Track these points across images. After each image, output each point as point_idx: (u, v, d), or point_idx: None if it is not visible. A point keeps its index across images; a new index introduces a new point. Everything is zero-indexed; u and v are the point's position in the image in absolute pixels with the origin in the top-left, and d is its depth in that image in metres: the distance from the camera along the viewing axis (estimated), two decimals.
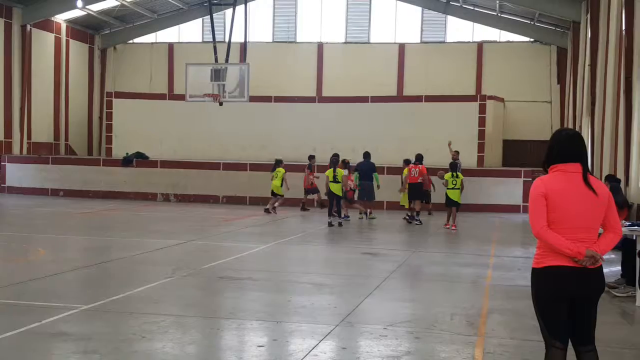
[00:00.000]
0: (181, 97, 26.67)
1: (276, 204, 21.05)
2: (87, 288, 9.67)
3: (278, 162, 21.42)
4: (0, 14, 29.99)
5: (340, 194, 18.16)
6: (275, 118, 29.94)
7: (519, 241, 16.33)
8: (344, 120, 29.01)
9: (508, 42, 34.07)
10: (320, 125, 29.19)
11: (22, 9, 30.91)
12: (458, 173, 18.10)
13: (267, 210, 20.87)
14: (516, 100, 32.81)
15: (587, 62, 23.36)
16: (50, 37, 33.40)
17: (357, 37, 35.53)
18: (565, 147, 4.60)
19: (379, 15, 35.29)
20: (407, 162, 20.34)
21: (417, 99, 30.05)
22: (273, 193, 21.06)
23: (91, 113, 36.64)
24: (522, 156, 30.56)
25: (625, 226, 9.08)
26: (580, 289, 4.50)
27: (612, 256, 11.53)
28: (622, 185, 15.15)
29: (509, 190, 23.50)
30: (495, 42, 34.25)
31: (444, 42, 34.71)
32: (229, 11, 29.58)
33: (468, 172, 21.18)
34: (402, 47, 34.71)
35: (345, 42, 35.56)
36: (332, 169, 18.23)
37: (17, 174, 27.09)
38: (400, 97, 32.48)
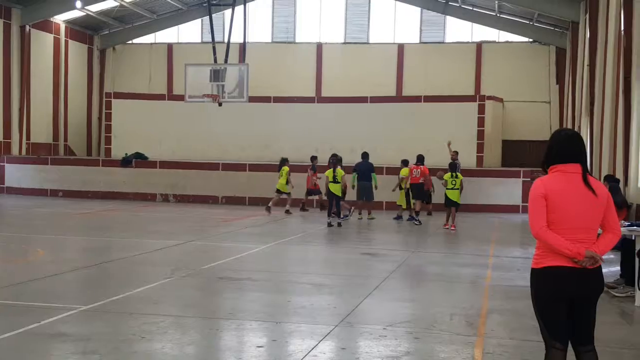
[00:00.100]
0: (180, 98, 26.65)
1: (287, 205, 21.09)
2: (86, 288, 9.66)
3: (283, 161, 21.45)
4: None
5: (340, 194, 18.18)
6: (274, 118, 29.95)
7: (518, 241, 16.33)
8: (343, 120, 29.01)
9: (507, 42, 34.09)
10: (319, 126, 29.19)
11: (21, 9, 30.91)
12: (457, 173, 18.11)
13: (287, 212, 20.95)
14: (515, 100, 32.82)
15: (586, 62, 23.37)
16: (49, 37, 33.39)
17: (356, 38, 35.54)
18: (564, 148, 4.60)
19: (378, 15, 35.30)
20: (405, 162, 20.35)
21: (416, 99, 30.05)
22: (279, 191, 21.10)
23: (90, 113, 36.63)
24: (521, 156, 30.57)
25: (624, 226, 9.09)
26: (579, 289, 4.50)
27: (611, 256, 11.53)
28: (621, 185, 15.16)
29: (508, 190, 23.50)
30: (494, 42, 34.28)
31: (443, 43, 34.73)
32: (228, 12, 29.63)
33: (467, 173, 21.17)
34: (401, 47, 34.72)
35: (345, 43, 35.57)
36: (331, 169, 18.29)
37: (16, 174, 27.07)
38: (399, 98, 32.49)
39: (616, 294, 9.45)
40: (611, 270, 10.69)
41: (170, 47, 36.79)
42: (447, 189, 17.97)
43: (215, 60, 25.20)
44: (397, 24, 35.07)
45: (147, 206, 23.33)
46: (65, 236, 15.52)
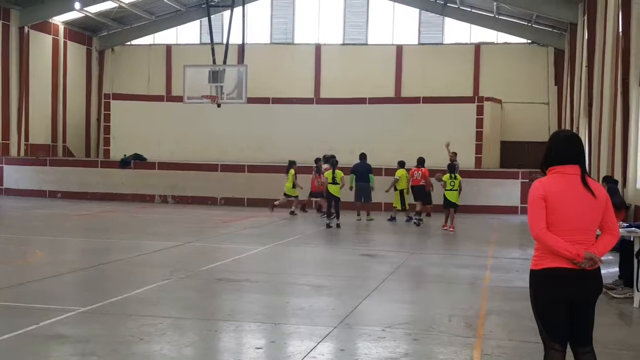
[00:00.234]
0: (179, 99, 26.65)
1: (293, 206, 21.12)
2: (84, 290, 9.66)
3: (291, 164, 21.45)
4: None
5: (339, 195, 18.18)
6: (273, 119, 29.95)
7: (516, 242, 16.33)
8: (342, 121, 29.02)
9: (505, 43, 34.13)
10: (318, 127, 29.20)
11: (20, 10, 30.91)
12: (456, 174, 18.11)
13: (292, 213, 21.04)
14: (513, 101, 32.85)
15: (585, 63, 23.39)
16: (48, 38, 33.38)
17: (355, 39, 35.57)
18: (563, 149, 4.61)
19: (376, 16, 35.33)
20: (401, 163, 20.32)
21: (414, 100, 30.08)
22: (287, 195, 21.15)
23: (89, 115, 36.62)
24: (519, 157, 30.59)
25: (623, 227, 9.09)
26: (578, 290, 4.51)
27: (610, 257, 11.54)
28: (619, 186, 15.18)
29: (506, 191, 23.49)
30: (492, 43, 34.31)
31: (441, 44, 34.76)
32: (226, 13, 29.66)
33: (466, 174, 21.17)
34: (399, 48, 34.74)
35: (343, 44, 35.60)
36: (331, 170, 18.31)
37: (15, 175, 27.03)
38: (397, 99, 32.50)
39: (615, 295, 9.46)
40: (610, 271, 10.68)
41: (169, 48, 36.80)
42: (445, 190, 17.97)
43: (214, 62, 25.20)
44: (395, 25, 35.10)
45: (146, 207, 23.31)
46: (63, 237, 15.51)
